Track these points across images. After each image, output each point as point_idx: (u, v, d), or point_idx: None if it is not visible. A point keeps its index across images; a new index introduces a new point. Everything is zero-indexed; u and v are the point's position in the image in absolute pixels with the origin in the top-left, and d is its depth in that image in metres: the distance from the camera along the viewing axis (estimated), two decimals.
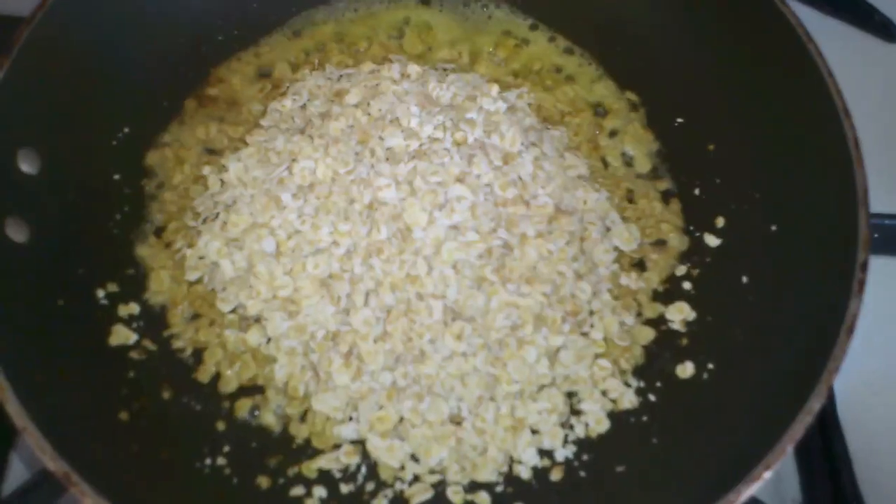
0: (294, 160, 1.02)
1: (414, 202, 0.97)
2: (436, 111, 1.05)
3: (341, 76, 1.13)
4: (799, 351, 0.88)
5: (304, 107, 1.10)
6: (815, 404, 0.80)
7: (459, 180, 0.99)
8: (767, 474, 0.78)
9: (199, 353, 0.99)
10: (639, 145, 1.12)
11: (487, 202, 0.99)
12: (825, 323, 0.86)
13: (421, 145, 1.02)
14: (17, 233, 0.94)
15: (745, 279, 0.99)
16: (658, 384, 0.98)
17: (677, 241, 1.06)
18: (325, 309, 0.96)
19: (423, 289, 0.95)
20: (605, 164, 1.11)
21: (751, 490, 0.77)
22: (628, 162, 1.12)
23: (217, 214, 1.03)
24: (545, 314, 0.97)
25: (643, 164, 1.11)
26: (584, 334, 0.99)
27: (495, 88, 1.09)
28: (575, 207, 1.03)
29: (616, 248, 1.04)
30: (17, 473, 0.99)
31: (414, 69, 1.11)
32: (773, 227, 1.00)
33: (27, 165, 0.98)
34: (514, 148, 1.03)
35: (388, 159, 1.01)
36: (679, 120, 1.13)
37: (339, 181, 1.00)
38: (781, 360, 0.90)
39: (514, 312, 0.96)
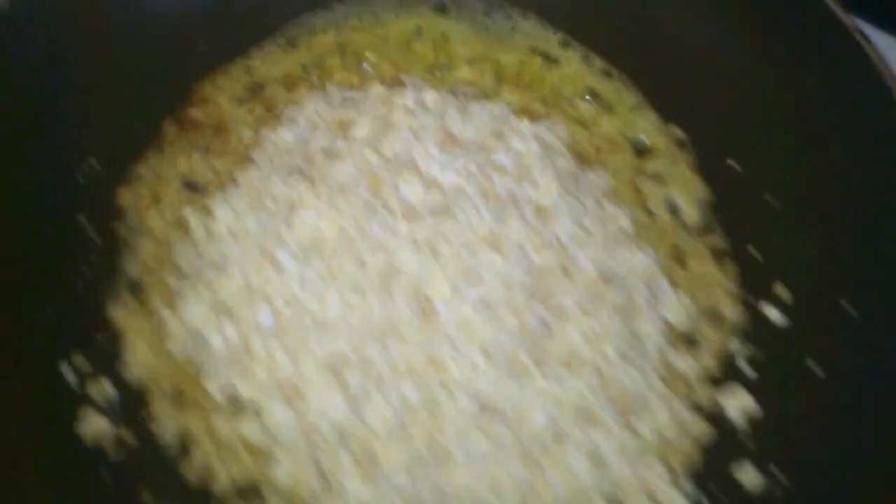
0: (293, 209, 0.87)
1: (436, 270, 0.83)
2: (458, 153, 0.90)
3: (345, 99, 0.97)
4: (889, 460, 0.77)
5: (303, 138, 0.94)
6: None
7: (489, 243, 0.85)
8: None
9: (184, 443, 0.84)
10: (686, 192, 0.98)
11: (520, 268, 0.85)
12: None
13: (443, 197, 0.87)
14: None
15: (813, 363, 0.87)
16: (713, 488, 0.84)
17: (733, 313, 0.92)
18: (332, 399, 0.82)
19: (447, 376, 0.82)
20: (649, 213, 0.97)
21: None
22: (674, 211, 0.98)
23: (202, 271, 0.88)
24: (588, 406, 0.84)
25: (692, 215, 0.97)
26: (632, 430, 0.85)
27: (526, 125, 0.95)
28: (619, 273, 0.89)
29: (666, 322, 0.91)
30: None
31: (430, 96, 0.96)
32: (844, 302, 0.87)
33: None
34: (549, 200, 0.89)
35: (404, 215, 0.86)
36: (732, 163, 0.98)
37: (348, 240, 0.85)
38: (866, 473, 0.78)
39: (554, 407, 0.83)
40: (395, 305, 0.83)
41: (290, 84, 1.00)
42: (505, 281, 0.84)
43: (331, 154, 0.91)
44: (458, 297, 0.83)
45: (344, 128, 0.93)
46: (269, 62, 1.02)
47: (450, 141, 0.90)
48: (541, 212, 0.88)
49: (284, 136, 0.94)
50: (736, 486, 0.84)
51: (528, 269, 0.85)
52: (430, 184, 0.87)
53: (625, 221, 0.94)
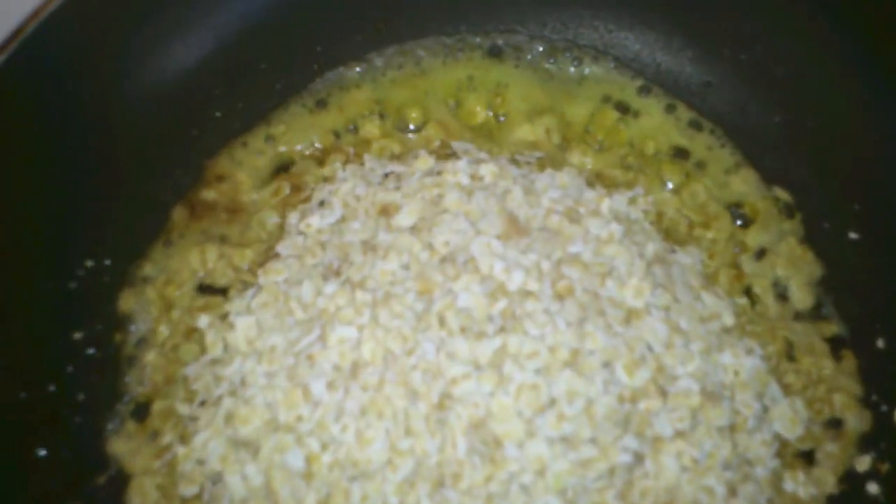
0: (328, 323, 0.72)
1: (505, 402, 0.68)
2: (525, 244, 0.74)
3: (387, 174, 0.82)
4: None
5: (338, 226, 0.79)
6: None
7: (568, 364, 0.69)
8: None
9: None
10: (796, 271, 0.82)
11: (608, 394, 0.69)
12: None
13: (510, 304, 0.71)
14: None
15: None
16: None
17: (856, 420, 0.78)
18: None
19: None
20: (753, 299, 0.81)
21: None
22: (783, 295, 0.82)
23: (220, 398, 0.74)
24: None
25: (802, 299, 0.83)
26: None
27: (605, 202, 0.79)
28: (724, 386, 0.73)
29: (777, 437, 0.75)
30: None
31: (488, 169, 0.80)
32: None
33: None
34: (639, 301, 0.73)
35: (463, 330, 0.70)
36: (853, 235, 0.81)
37: (395, 364, 0.70)
38: None
39: None
40: (455, 447, 0.68)
41: (321, 156, 0.86)
42: (589, 412, 0.68)
43: (372, 248, 0.76)
44: (530, 435, 0.68)
45: (387, 213, 0.78)
46: (295, 128, 0.87)
47: (514, 229, 0.75)
48: (630, 316, 0.72)
49: (316, 223, 0.79)
50: None
51: (617, 394, 0.69)
52: (493, 288, 0.72)
53: (727, 316, 0.78)
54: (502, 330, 0.70)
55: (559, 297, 0.73)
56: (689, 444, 0.71)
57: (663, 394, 0.71)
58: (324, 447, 0.70)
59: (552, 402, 0.69)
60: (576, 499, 0.68)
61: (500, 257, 0.73)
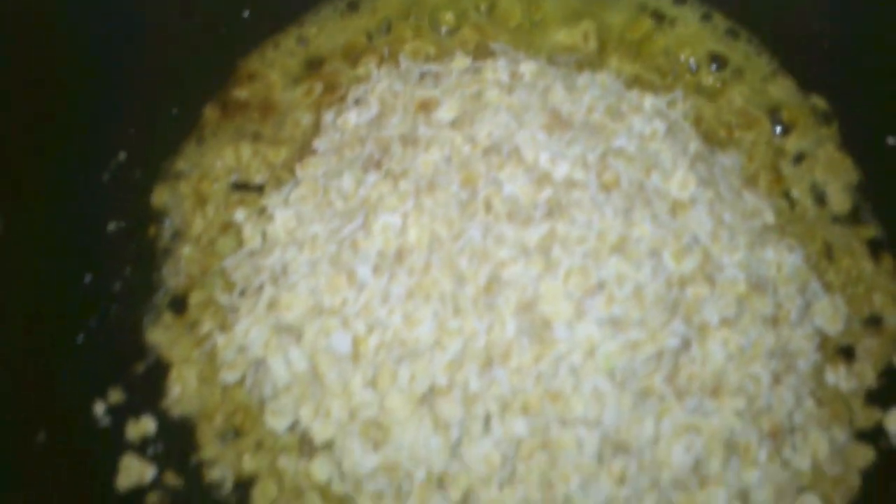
0: (371, 211, 0.71)
1: (553, 284, 0.68)
2: (569, 136, 0.74)
3: (424, 74, 0.81)
4: None
5: (375, 122, 0.78)
6: None
7: (616, 249, 0.69)
8: None
9: (243, 490, 0.72)
10: (834, 175, 0.83)
11: (657, 281, 0.69)
12: None
13: (555, 193, 0.71)
14: None
15: None
16: None
17: None
18: (426, 439, 0.68)
19: (568, 411, 0.67)
20: (792, 202, 0.82)
21: None
22: (821, 198, 0.82)
23: (261, 286, 0.73)
24: (735, 438, 0.69)
25: (840, 203, 0.83)
26: (785, 462, 0.71)
27: (648, 99, 0.78)
28: (768, 278, 0.73)
29: (819, 331, 0.75)
30: None
31: (528, 67, 0.80)
32: None
33: None
34: (685, 193, 0.73)
35: (510, 215, 0.70)
36: (891, 141, 0.81)
37: (441, 249, 0.70)
38: None
39: (696, 440, 0.68)
40: (503, 327, 0.68)
41: (354, 56, 0.85)
42: (637, 295, 0.68)
43: (412, 142, 0.75)
44: (580, 317, 0.68)
45: (426, 108, 0.77)
46: (327, 30, 0.86)
47: (558, 123, 0.74)
48: (676, 207, 0.72)
49: (353, 120, 0.78)
50: None
51: (665, 280, 0.69)
52: (538, 177, 0.71)
53: (768, 214, 0.78)
54: (549, 216, 0.70)
55: (605, 187, 0.72)
56: (735, 332, 0.71)
57: (710, 281, 0.71)
58: (370, 330, 0.69)
59: (601, 285, 0.68)
60: (624, 381, 0.68)
61: (545, 148, 0.73)
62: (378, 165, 0.75)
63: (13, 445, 0.65)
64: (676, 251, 0.70)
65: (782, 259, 0.76)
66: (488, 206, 0.70)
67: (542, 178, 0.71)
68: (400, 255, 0.70)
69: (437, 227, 0.70)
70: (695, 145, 0.78)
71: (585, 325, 0.68)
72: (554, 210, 0.70)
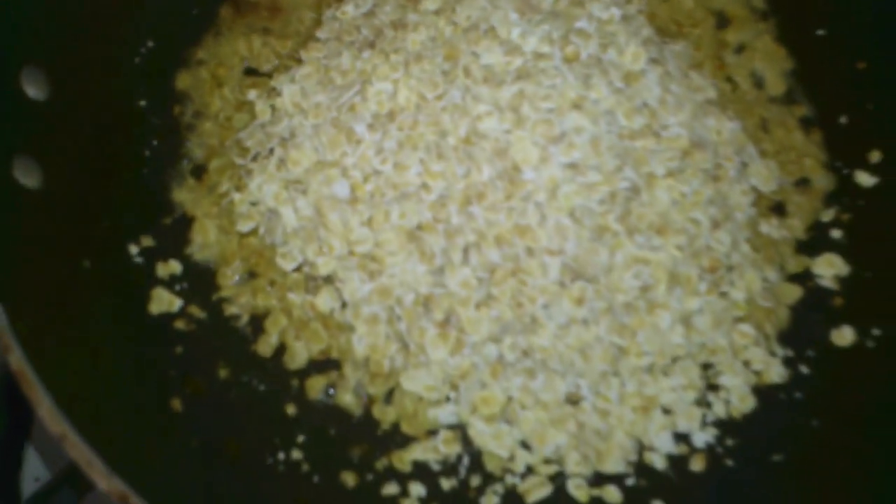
0: (367, 81, 0.83)
1: (522, 135, 0.79)
2: (538, 19, 0.85)
3: None
4: None
5: (369, 14, 0.90)
6: None
7: (576, 106, 0.81)
8: None
9: (258, 321, 0.82)
10: (770, 63, 0.94)
11: (610, 134, 0.81)
12: None
13: (525, 62, 0.82)
14: (28, 176, 0.75)
15: None
16: (810, 353, 0.82)
17: (823, 180, 0.89)
18: (414, 268, 0.79)
19: (535, 242, 0.78)
20: (734, 85, 0.93)
21: None
22: (759, 83, 0.93)
23: (271, 150, 0.85)
24: (679, 271, 0.80)
25: (776, 86, 0.93)
26: (723, 294, 0.82)
27: None
28: (708, 139, 0.85)
29: (754, 189, 0.87)
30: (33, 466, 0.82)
31: None
32: None
33: (34, 89, 0.78)
34: (637, 65, 0.84)
35: (486, 80, 0.81)
36: (820, 31, 0.93)
37: (427, 108, 0.81)
38: None
39: (644, 270, 0.79)
40: (480, 172, 0.79)
41: None
42: (594, 144, 0.80)
43: (402, 26, 0.86)
44: (545, 162, 0.79)
45: (414, 0, 0.88)
46: None
47: (528, 7, 0.86)
48: (628, 77, 0.84)
49: (350, 11, 0.90)
50: (828, 345, 0.82)
51: (617, 134, 0.81)
52: (511, 49, 0.83)
53: (711, 91, 0.89)
54: (519, 79, 0.81)
55: (567, 59, 0.84)
56: (679, 181, 0.81)
57: (657, 137, 0.82)
58: (366, 178, 0.80)
59: (563, 136, 0.79)
60: (582, 218, 0.79)
61: (517, 25, 0.84)
62: (372, 45, 0.86)
63: (61, 271, 0.75)
64: (628, 110, 0.82)
65: (722, 126, 0.87)
66: (467, 73, 0.82)
67: (514, 50, 0.83)
68: (391, 115, 0.81)
69: (423, 90, 0.81)
70: (647, 31, 0.89)
71: (549, 168, 0.79)
72: (523, 75, 0.82)
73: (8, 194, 0.72)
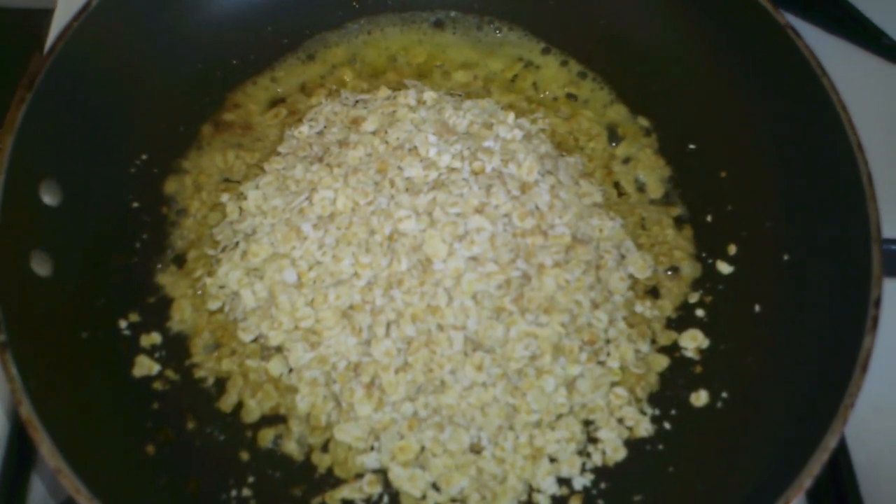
0: (314, 189, 1.03)
1: (434, 233, 0.98)
2: (453, 140, 1.06)
3: (357, 101, 1.14)
4: (813, 384, 0.90)
5: (321, 133, 1.11)
6: (832, 441, 0.82)
7: (478, 211, 1.00)
8: None
9: (221, 383, 0.99)
10: (651, 171, 1.13)
11: (506, 233, 1.00)
12: (839, 358, 0.87)
13: (440, 175, 1.03)
14: (42, 267, 0.95)
15: (757, 307, 1.01)
16: (673, 412, 0.99)
17: (690, 269, 1.07)
18: (346, 340, 0.96)
19: (443, 320, 0.96)
20: (619, 190, 1.12)
21: None
22: (641, 188, 1.13)
23: (237, 243, 1.04)
24: (563, 344, 0.98)
25: (656, 190, 1.13)
26: (601, 363, 1.00)
27: (511, 116, 1.10)
28: (591, 236, 1.04)
29: (631, 276, 1.05)
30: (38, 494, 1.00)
31: (429, 95, 1.12)
32: (786, 257, 1.01)
33: (50, 197, 0.98)
34: (531, 177, 1.04)
35: (407, 190, 1.01)
36: (691, 146, 1.14)
37: (360, 212, 1.01)
38: (796, 392, 0.92)
39: (533, 342, 0.97)
40: (400, 263, 0.97)
41: (310, 91, 1.17)
42: (492, 241, 0.99)
43: (345, 144, 1.07)
44: (452, 256, 0.97)
45: (356, 123, 1.09)
46: (291, 74, 1.19)
47: (446, 130, 1.06)
48: (523, 186, 1.03)
49: (305, 131, 1.11)
50: (688, 405, 0.99)
51: (512, 233, 1.00)
52: (428, 164, 1.03)
53: (598, 196, 1.09)
54: (434, 189, 1.01)
55: (474, 172, 1.03)
56: (564, 270, 0.99)
57: (544, 234, 1.01)
58: (310, 267, 0.99)
59: (466, 234, 0.98)
60: (482, 300, 0.97)
61: (434, 145, 1.04)
62: (321, 160, 1.06)
63: (64, 342, 0.94)
64: (521, 214, 1.00)
65: (604, 224, 1.06)
66: (392, 183, 1.02)
67: (431, 165, 1.02)
68: (332, 216, 1.00)
69: (357, 198, 1.00)
70: (545, 147, 1.10)
71: (455, 260, 0.96)
72: (437, 185, 1.01)
73: (25, 283, 0.91)
